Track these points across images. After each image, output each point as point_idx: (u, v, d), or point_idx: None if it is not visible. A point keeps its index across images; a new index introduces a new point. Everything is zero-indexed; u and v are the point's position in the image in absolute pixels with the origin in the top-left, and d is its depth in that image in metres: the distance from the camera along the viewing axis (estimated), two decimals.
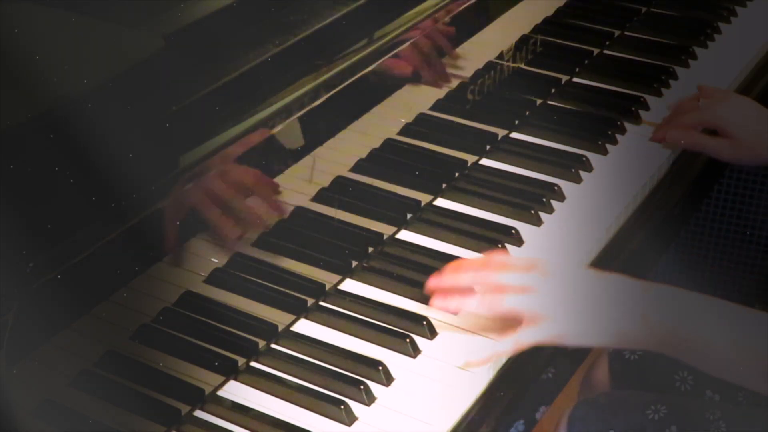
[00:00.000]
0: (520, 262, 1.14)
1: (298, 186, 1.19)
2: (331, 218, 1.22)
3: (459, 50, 1.37)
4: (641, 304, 1.08)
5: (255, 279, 1.13)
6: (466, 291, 1.11)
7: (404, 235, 1.29)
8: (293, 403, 1.07)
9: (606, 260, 1.29)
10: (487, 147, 1.43)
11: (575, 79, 1.59)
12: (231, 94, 1.06)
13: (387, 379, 1.09)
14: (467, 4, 1.33)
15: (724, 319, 1.08)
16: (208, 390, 1.07)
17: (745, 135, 1.41)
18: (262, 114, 1.08)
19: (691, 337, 1.07)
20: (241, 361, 1.10)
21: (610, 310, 1.08)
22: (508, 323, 1.10)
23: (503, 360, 1.11)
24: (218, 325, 1.09)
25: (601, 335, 1.08)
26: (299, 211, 1.18)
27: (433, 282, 1.14)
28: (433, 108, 1.37)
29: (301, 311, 1.17)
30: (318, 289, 1.19)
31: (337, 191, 1.23)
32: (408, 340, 1.13)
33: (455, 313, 1.14)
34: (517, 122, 1.48)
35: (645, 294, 1.09)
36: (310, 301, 1.18)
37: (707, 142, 1.44)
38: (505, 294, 1.09)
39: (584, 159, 1.41)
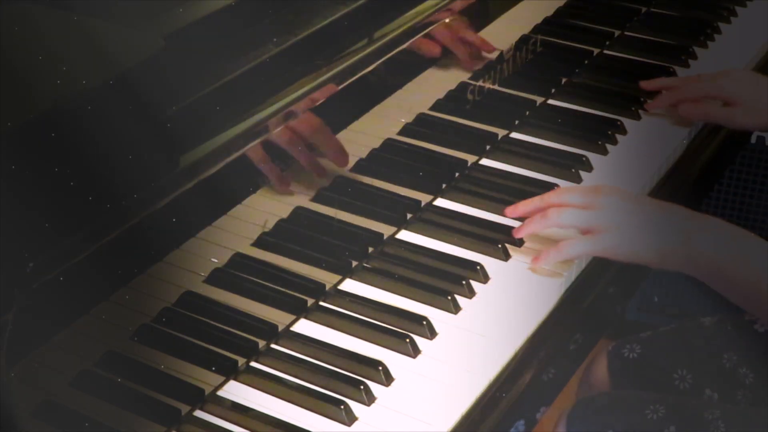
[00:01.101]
0: (582, 186, 1.27)
1: (298, 186, 1.19)
2: (331, 218, 1.22)
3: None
4: (685, 227, 1.17)
5: (255, 279, 1.13)
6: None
7: (404, 235, 1.29)
8: (293, 403, 1.07)
9: (606, 260, 1.29)
10: (487, 147, 1.43)
11: (575, 79, 1.59)
12: (231, 94, 1.06)
13: (387, 379, 1.09)
14: (467, 4, 1.33)
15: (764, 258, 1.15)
16: (208, 390, 1.07)
17: (754, 100, 1.45)
18: (262, 114, 1.08)
19: (726, 267, 1.15)
20: (241, 361, 1.10)
21: (657, 230, 1.18)
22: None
23: (570, 266, 1.21)
24: (218, 325, 1.09)
25: (644, 252, 1.18)
26: (299, 211, 1.18)
27: (509, 210, 1.26)
28: (433, 108, 1.37)
29: (301, 311, 1.17)
30: (318, 289, 1.19)
31: (337, 191, 1.23)
32: (408, 340, 1.13)
33: (525, 232, 1.24)
34: (517, 122, 1.48)
35: (690, 220, 1.19)
36: (310, 301, 1.18)
37: (719, 112, 1.47)
38: (567, 209, 1.20)
39: (584, 159, 1.41)
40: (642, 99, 1.54)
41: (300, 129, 1.13)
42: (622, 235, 1.18)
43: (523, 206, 1.25)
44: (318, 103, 1.13)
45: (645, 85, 1.52)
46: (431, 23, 1.29)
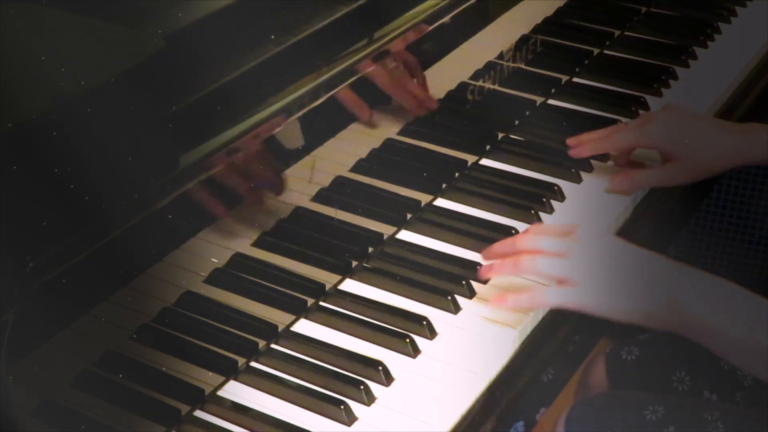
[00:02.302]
0: (557, 228, 1.16)
1: (298, 186, 1.19)
2: (331, 218, 1.22)
3: (459, 50, 1.37)
4: (671, 285, 1.08)
5: (255, 279, 1.13)
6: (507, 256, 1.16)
7: (404, 235, 1.29)
8: (293, 403, 1.07)
9: None
10: (487, 147, 1.43)
11: (575, 79, 1.59)
12: (231, 94, 1.06)
13: (387, 379, 1.09)
14: (467, 4, 1.33)
15: (757, 314, 1.07)
16: (208, 390, 1.07)
17: (689, 148, 1.31)
18: (262, 114, 1.08)
19: (716, 326, 1.07)
20: (241, 361, 1.10)
21: (638, 287, 1.09)
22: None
23: (528, 316, 1.15)
24: (218, 325, 1.09)
25: (626, 311, 1.09)
26: (299, 211, 1.18)
27: (484, 253, 1.19)
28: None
29: (301, 311, 1.17)
30: (318, 289, 1.19)
31: (337, 191, 1.23)
32: (408, 340, 1.13)
33: (492, 275, 1.18)
34: (516, 122, 1.48)
35: (675, 275, 1.09)
36: (310, 301, 1.18)
37: (652, 177, 1.34)
38: (539, 257, 1.12)
39: (584, 159, 1.41)
40: (642, 99, 1.54)
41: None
42: (600, 291, 1.09)
43: (497, 248, 1.18)
44: (318, 103, 1.13)
45: (570, 142, 1.37)
46: (431, 23, 1.29)
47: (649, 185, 1.36)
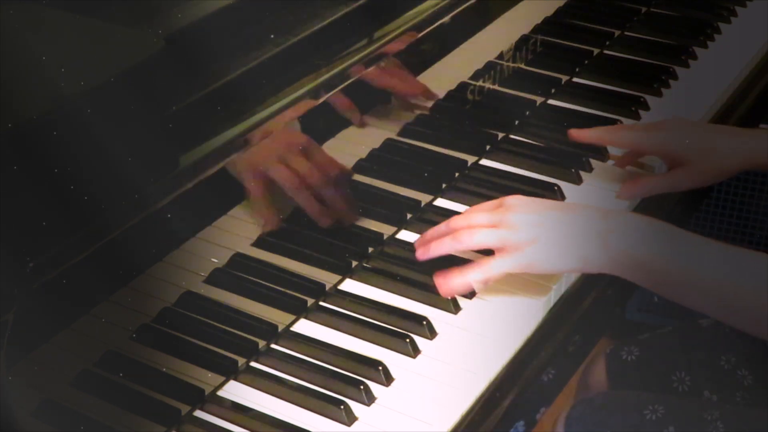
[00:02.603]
0: (486, 204, 1.20)
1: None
2: None
3: (458, 50, 1.37)
4: (600, 227, 1.13)
5: (255, 279, 1.13)
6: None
7: (404, 235, 1.29)
8: (293, 403, 1.07)
9: None
10: (487, 147, 1.43)
11: (575, 79, 1.59)
12: (231, 94, 1.06)
13: (387, 379, 1.09)
14: (467, 4, 1.33)
15: (680, 245, 1.12)
16: (208, 390, 1.07)
17: (695, 154, 1.33)
18: (262, 114, 1.08)
19: (646, 261, 1.11)
20: (241, 361, 1.10)
21: (571, 235, 1.13)
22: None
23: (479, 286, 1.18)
24: (218, 325, 1.09)
25: (566, 261, 1.14)
26: (299, 211, 1.18)
27: (418, 241, 1.21)
28: (432, 108, 1.37)
29: (301, 311, 1.17)
30: (318, 289, 1.19)
31: None
32: (408, 340, 1.13)
33: (431, 254, 1.18)
34: (517, 122, 1.48)
35: (604, 219, 1.13)
36: (310, 301, 1.18)
37: (661, 183, 1.36)
38: (476, 230, 1.15)
39: (584, 159, 1.41)
40: (641, 99, 1.54)
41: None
42: (539, 248, 1.13)
43: (431, 232, 1.20)
44: (318, 103, 1.13)
45: (574, 133, 1.38)
46: (431, 23, 1.29)
47: (657, 191, 1.37)
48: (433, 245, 1.18)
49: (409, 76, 1.30)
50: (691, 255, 1.12)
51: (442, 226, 1.19)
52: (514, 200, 1.17)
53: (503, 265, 1.14)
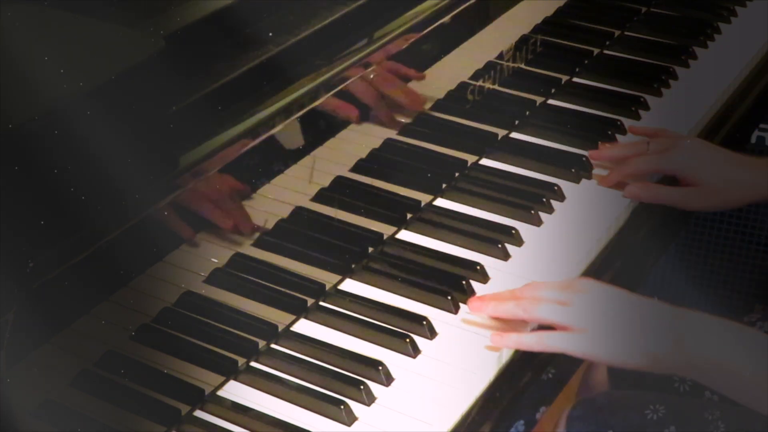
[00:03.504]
0: (557, 281, 1.15)
1: (298, 186, 1.19)
2: (331, 218, 1.22)
3: (458, 50, 1.37)
4: (676, 329, 1.08)
5: (255, 279, 1.13)
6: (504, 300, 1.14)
7: (404, 235, 1.29)
8: (293, 403, 1.07)
9: (606, 260, 1.29)
10: (487, 147, 1.43)
11: (575, 79, 1.59)
12: (231, 94, 1.06)
13: (387, 379, 1.09)
14: (467, 4, 1.33)
15: (759, 350, 1.08)
16: (208, 390, 1.07)
17: (710, 179, 1.32)
18: (262, 114, 1.08)
19: (724, 365, 1.07)
20: (241, 361, 1.10)
21: (643, 333, 1.08)
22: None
23: (516, 353, 1.12)
24: (218, 325, 1.09)
25: (632, 357, 1.09)
26: (299, 211, 1.18)
27: (475, 297, 1.17)
28: (433, 108, 1.37)
29: (301, 311, 1.17)
30: (318, 289, 1.19)
31: (337, 191, 1.23)
32: (408, 340, 1.13)
33: (489, 312, 1.15)
34: (517, 122, 1.48)
35: (678, 320, 1.09)
36: (310, 301, 1.18)
37: (671, 195, 1.35)
38: (542, 303, 1.10)
39: (584, 159, 1.41)
40: (641, 99, 1.54)
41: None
42: (605, 339, 1.08)
43: (491, 295, 1.16)
44: (318, 102, 1.13)
45: (593, 155, 1.39)
46: (431, 23, 1.29)
47: (664, 202, 1.36)
48: (493, 304, 1.14)
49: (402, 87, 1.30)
50: (753, 354, 1.08)
51: (506, 292, 1.15)
52: (587, 283, 1.13)
53: (562, 344, 1.09)
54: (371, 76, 1.21)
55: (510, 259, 1.25)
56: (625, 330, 1.08)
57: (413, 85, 1.31)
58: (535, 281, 1.16)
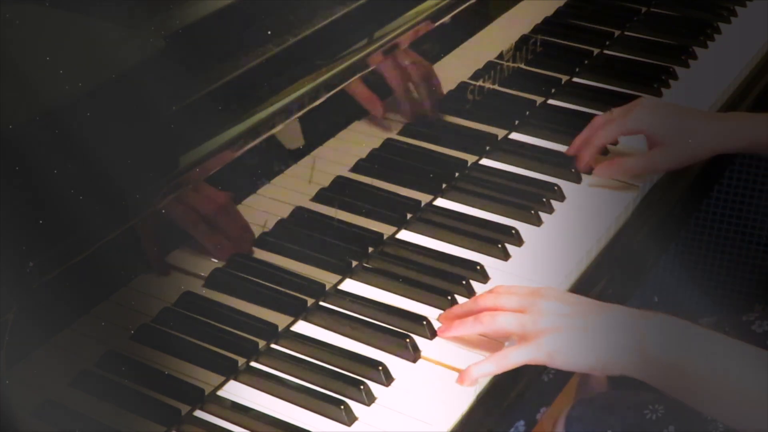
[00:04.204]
0: (519, 287, 1.13)
1: (298, 186, 1.19)
2: (331, 218, 1.22)
3: (458, 50, 1.37)
4: (638, 333, 1.06)
5: (255, 279, 1.13)
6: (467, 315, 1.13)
7: (404, 235, 1.29)
8: (293, 403, 1.07)
9: (606, 261, 1.29)
10: (487, 147, 1.43)
11: (575, 79, 1.59)
12: (231, 94, 1.06)
13: (387, 379, 1.09)
14: (467, 4, 1.33)
15: (732, 357, 1.05)
16: (208, 390, 1.07)
17: (673, 133, 1.33)
18: (262, 114, 1.08)
19: (695, 373, 1.04)
20: (241, 361, 1.10)
21: (605, 338, 1.06)
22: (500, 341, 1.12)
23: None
24: (218, 325, 1.09)
25: (594, 362, 1.06)
26: (299, 211, 1.18)
27: (442, 316, 1.16)
28: (432, 108, 1.37)
29: (301, 311, 1.17)
30: (318, 289, 1.19)
31: (337, 191, 1.23)
32: (408, 340, 1.13)
33: (452, 334, 1.13)
34: (517, 122, 1.48)
35: (642, 324, 1.07)
36: (310, 302, 1.18)
37: (638, 162, 1.36)
38: (501, 314, 1.09)
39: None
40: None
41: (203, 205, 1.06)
42: (563, 340, 1.06)
43: (457, 309, 1.15)
44: (318, 102, 1.13)
45: (569, 152, 1.39)
46: (431, 23, 1.29)
47: (635, 171, 1.37)
48: (456, 325, 1.12)
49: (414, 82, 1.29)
50: (725, 361, 1.05)
51: (469, 303, 1.14)
52: (548, 289, 1.12)
53: (520, 357, 1.07)
54: (371, 77, 1.21)
55: (510, 259, 1.25)
56: (586, 336, 1.06)
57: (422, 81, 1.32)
58: (499, 286, 1.15)
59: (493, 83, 1.43)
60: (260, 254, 1.14)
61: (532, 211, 1.31)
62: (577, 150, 1.39)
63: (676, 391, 1.06)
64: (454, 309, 1.15)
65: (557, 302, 1.08)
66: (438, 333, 1.14)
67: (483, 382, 1.10)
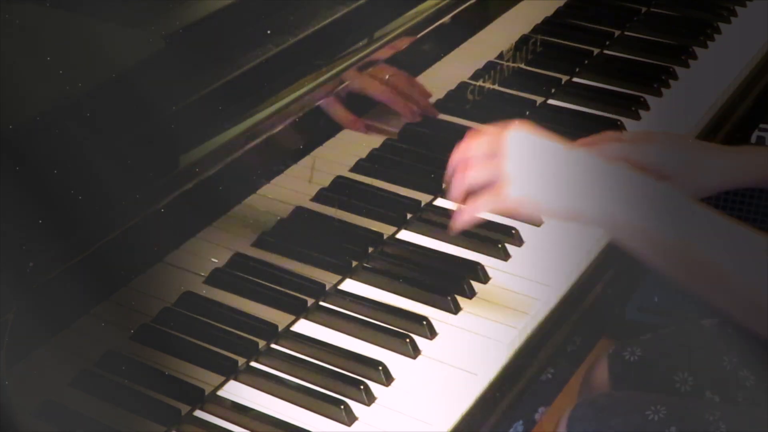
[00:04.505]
0: (486, 129, 1.10)
1: (298, 186, 1.19)
2: (331, 218, 1.22)
3: (458, 50, 1.37)
4: (599, 181, 1.04)
5: (255, 279, 1.13)
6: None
7: (404, 235, 1.29)
8: (293, 403, 1.07)
9: (606, 260, 1.29)
10: None
11: (575, 79, 1.59)
12: (231, 94, 1.06)
13: (387, 379, 1.09)
14: (467, 4, 1.33)
15: (689, 215, 1.04)
16: (208, 390, 1.07)
17: (682, 170, 1.30)
18: (262, 114, 1.08)
19: (646, 227, 1.02)
20: (241, 361, 1.10)
21: (568, 183, 1.04)
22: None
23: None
24: (218, 325, 1.09)
25: (555, 207, 1.04)
26: (299, 211, 1.18)
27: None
28: (432, 108, 1.37)
29: (301, 311, 1.17)
30: (318, 289, 1.19)
31: (337, 191, 1.23)
32: (408, 340, 1.13)
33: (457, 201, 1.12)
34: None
35: (606, 174, 1.04)
36: (310, 301, 1.18)
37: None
38: (469, 170, 1.07)
39: None
40: (642, 99, 1.54)
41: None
42: (526, 184, 1.04)
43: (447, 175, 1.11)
44: (318, 103, 1.13)
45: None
46: (431, 23, 1.29)
47: None
48: (451, 197, 1.11)
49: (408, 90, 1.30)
50: (692, 227, 1.02)
51: (449, 167, 1.10)
52: (512, 126, 1.08)
53: (486, 205, 1.06)
54: (371, 76, 1.21)
55: (510, 259, 1.25)
56: (550, 179, 1.04)
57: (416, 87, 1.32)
58: (468, 134, 1.11)
59: (493, 83, 1.43)
60: (260, 254, 1.14)
61: None
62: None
63: (642, 253, 1.04)
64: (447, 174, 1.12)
65: (522, 140, 1.06)
66: (457, 224, 1.11)
67: (483, 382, 1.10)
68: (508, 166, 1.04)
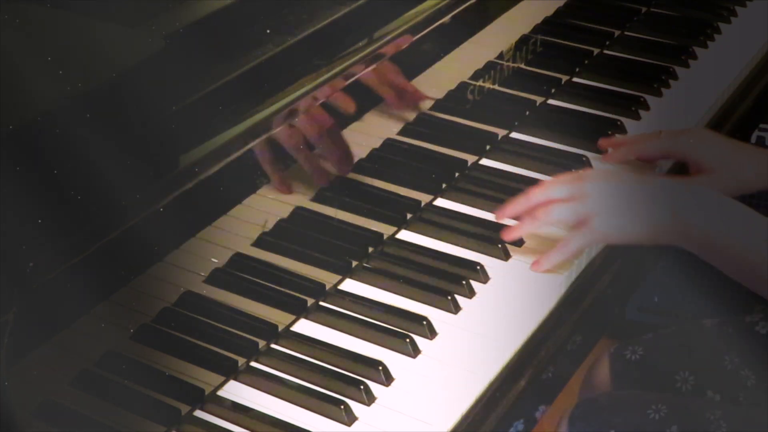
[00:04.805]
0: (566, 176, 1.24)
1: (298, 186, 1.19)
2: (331, 218, 1.22)
3: (458, 50, 1.37)
4: (673, 200, 1.17)
5: (255, 279, 1.13)
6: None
7: (404, 235, 1.29)
8: (293, 403, 1.07)
9: (606, 260, 1.29)
10: (487, 147, 1.43)
11: (575, 79, 1.59)
12: (231, 94, 1.06)
13: (387, 379, 1.09)
14: (467, 4, 1.33)
15: (757, 227, 1.16)
16: (208, 390, 1.07)
17: (721, 166, 1.35)
18: (262, 114, 1.08)
19: (719, 238, 1.16)
20: (241, 361, 1.10)
21: (645, 206, 1.17)
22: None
23: (567, 269, 1.21)
24: (218, 325, 1.09)
25: (638, 232, 1.18)
26: (299, 211, 1.18)
27: (498, 212, 1.25)
28: (433, 108, 1.37)
29: (301, 311, 1.17)
30: (318, 289, 1.19)
31: (337, 191, 1.23)
32: (408, 340, 1.13)
33: (516, 235, 1.23)
34: (517, 122, 1.48)
35: (678, 192, 1.18)
36: (310, 301, 1.18)
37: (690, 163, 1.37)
38: (553, 205, 1.19)
39: (584, 159, 1.41)
40: (642, 99, 1.54)
41: (306, 129, 1.13)
42: (611, 217, 1.18)
43: (510, 208, 1.24)
44: (318, 103, 1.13)
45: (602, 143, 1.41)
46: (431, 23, 1.29)
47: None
48: (516, 227, 1.22)
49: (402, 82, 1.30)
50: (752, 233, 1.15)
51: (521, 200, 1.22)
52: (590, 172, 1.22)
53: (581, 240, 1.19)
54: (371, 76, 1.21)
55: (510, 259, 1.25)
56: (629, 207, 1.17)
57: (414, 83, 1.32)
58: (544, 181, 1.25)
59: (493, 83, 1.43)
60: (260, 254, 1.14)
61: None
62: (610, 144, 1.41)
63: (713, 260, 1.18)
64: (507, 208, 1.23)
65: (601, 182, 1.20)
66: (504, 237, 1.23)
67: (483, 382, 1.10)
68: (592, 206, 1.18)
